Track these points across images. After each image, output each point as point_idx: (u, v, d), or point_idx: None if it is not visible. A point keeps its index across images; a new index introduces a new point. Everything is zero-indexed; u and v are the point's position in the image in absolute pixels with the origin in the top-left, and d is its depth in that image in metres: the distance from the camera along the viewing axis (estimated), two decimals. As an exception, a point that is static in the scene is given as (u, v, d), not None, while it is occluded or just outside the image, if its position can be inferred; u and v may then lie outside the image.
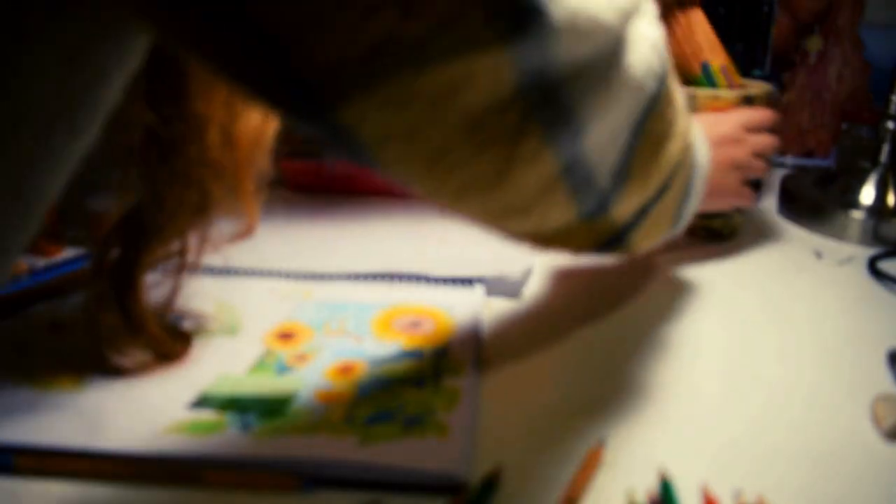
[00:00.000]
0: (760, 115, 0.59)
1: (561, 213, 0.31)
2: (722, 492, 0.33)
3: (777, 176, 0.78)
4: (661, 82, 0.31)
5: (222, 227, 0.43)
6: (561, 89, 0.25)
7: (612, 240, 0.37)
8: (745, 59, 0.79)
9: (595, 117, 0.27)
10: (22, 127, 0.21)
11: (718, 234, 0.65)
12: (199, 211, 0.40)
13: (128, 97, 0.34)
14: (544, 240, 0.35)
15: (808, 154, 0.91)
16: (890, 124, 0.68)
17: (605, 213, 0.33)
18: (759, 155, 0.58)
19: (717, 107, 0.61)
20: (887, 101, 0.68)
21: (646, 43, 0.29)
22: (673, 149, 0.35)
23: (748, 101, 0.61)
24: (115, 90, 0.24)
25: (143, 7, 0.21)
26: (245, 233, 0.45)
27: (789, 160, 0.91)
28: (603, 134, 0.29)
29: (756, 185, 0.71)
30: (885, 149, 0.69)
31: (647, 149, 0.33)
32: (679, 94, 0.35)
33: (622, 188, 0.33)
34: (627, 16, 0.26)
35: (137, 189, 0.39)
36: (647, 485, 0.34)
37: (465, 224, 0.32)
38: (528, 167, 0.27)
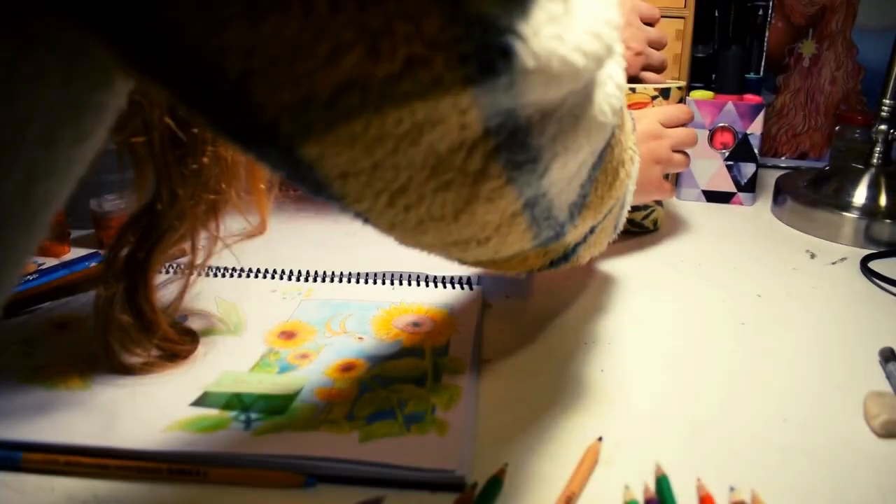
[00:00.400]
0: (677, 110, 0.62)
1: (518, 243, 0.32)
2: (717, 488, 0.34)
3: (771, 177, 0.79)
4: (619, 116, 0.31)
5: (232, 225, 0.43)
6: (528, 132, 0.25)
7: (562, 258, 0.38)
8: (740, 62, 0.79)
9: (560, 158, 0.27)
10: (28, 133, 0.21)
11: (642, 226, 0.68)
12: (213, 210, 0.40)
13: (148, 101, 0.34)
14: (498, 265, 0.36)
15: (802, 155, 0.92)
16: (882, 126, 0.68)
17: (560, 240, 0.34)
18: (678, 150, 0.60)
19: (635, 101, 0.63)
20: (879, 104, 0.68)
21: (612, 83, 0.28)
22: (623, 175, 0.36)
23: (664, 94, 0.63)
24: (119, 95, 0.24)
25: (102, 42, 0.20)
26: (257, 231, 0.45)
27: (783, 161, 0.92)
28: (566, 173, 0.29)
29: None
30: (878, 150, 0.69)
31: (604, 179, 0.34)
32: (628, 117, 0.36)
33: (578, 217, 0.34)
34: (598, 62, 0.25)
35: (152, 189, 0.39)
36: (643, 481, 0.34)
37: (421, 252, 0.32)
38: (489, 205, 0.27)
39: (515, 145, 0.25)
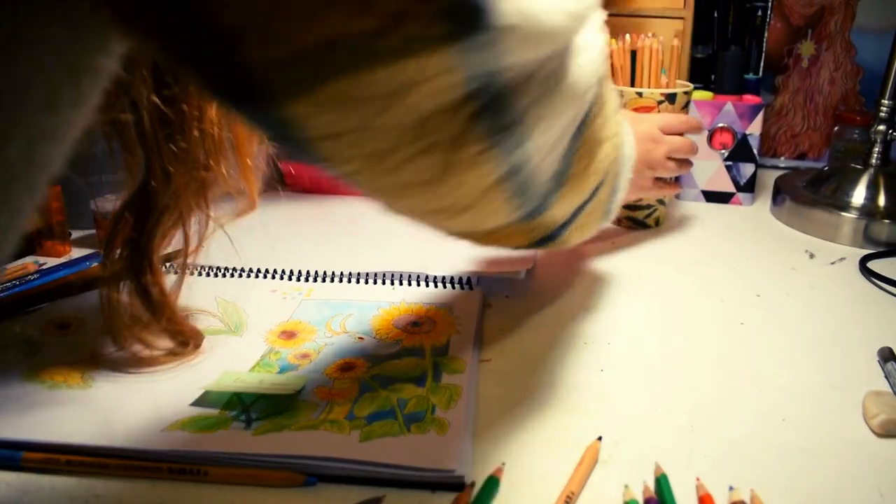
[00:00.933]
0: (678, 120, 0.62)
1: (500, 214, 0.32)
2: (716, 487, 0.34)
3: (770, 177, 0.79)
4: (600, 86, 0.32)
5: (225, 206, 0.43)
6: (510, 95, 0.25)
7: (547, 237, 0.38)
8: (739, 62, 0.80)
9: (541, 124, 0.28)
10: (31, 96, 0.21)
11: (644, 224, 0.69)
12: (203, 188, 0.40)
13: (135, 80, 0.34)
14: (481, 238, 0.36)
15: (801, 156, 0.92)
16: (881, 127, 0.69)
17: (542, 214, 0.34)
18: (673, 157, 0.61)
19: (641, 105, 0.64)
20: (878, 104, 0.68)
21: (592, 50, 0.29)
22: (607, 150, 0.36)
23: (670, 98, 0.64)
24: (114, 59, 0.24)
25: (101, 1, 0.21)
26: (247, 209, 0.46)
27: (782, 161, 0.93)
28: (547, 140, 0.29)
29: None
30: (876, 151, 0.70)
31: (585, 153, 0.34)
32: (613, 94, 0.36)
33: (560, 191, 0.34)
34: (577, 21, 0.25)
35: (144, 170, 0.39)
36: (643, 480, 0.34)
37: (404, 221, 0.32)
38: (471, 170, 0.27)
39: (497, 108, 0.25)
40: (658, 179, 0.62)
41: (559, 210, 0.35)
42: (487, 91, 0.24)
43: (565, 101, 0.28)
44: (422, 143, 0.25)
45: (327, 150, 0.25)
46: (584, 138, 0.33)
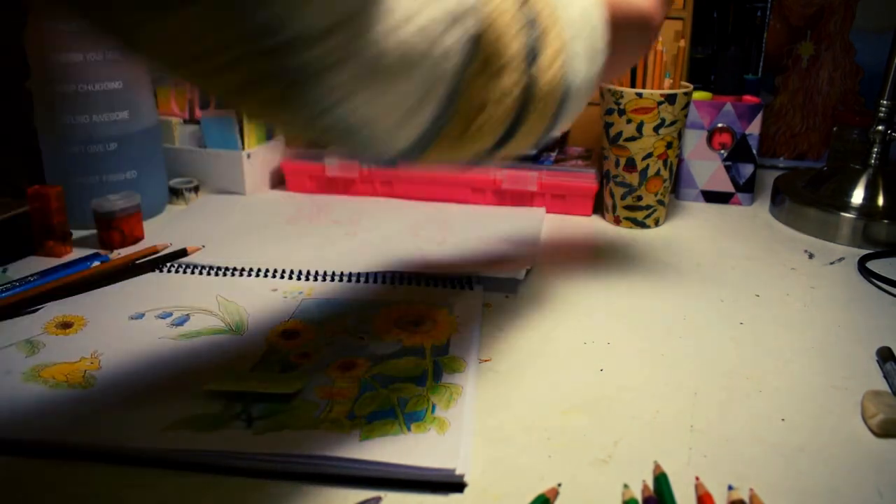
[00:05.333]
0: None
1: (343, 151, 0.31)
2: (715, 487, 0.34)
3: (770, 177, 0.79)
4: (472, 46, 0.28)
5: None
6: (293, 56, 0.24)
7: (482, 158, 0.36)
8: (739, 62, 0.80)
9: (352, 99, 0.26)
10: None
11: (642, 224, 0.69)
12: None
13: None
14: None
15: (800, 156, 0.92)
16: (880, 127, 0.69)
17: (416, 159, 0.33)
18: None
19: (640, 106, 0.64)
20: (877, 105, 0.68)
21: (431, 10, 0.26)
22: (504, 108, 0.32)
23: (670, 99, 0.64)
24: None
25: None
26: None
27: (782, 162, 0.93)
28: (379, 108, 0.28)
29: (749, 185, 0.73)
30: (876, 151, 0.70)
31: (460, 120, 0.31)
32: (517, 40, 0.31)
33: (427, 151, 0.32)
34: None
35: None
36: (642, 479, 0.35)
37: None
38: (302, 123, 0.28)
39: (281, 71, 0.25)
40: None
41: (475, 136, 0.32)
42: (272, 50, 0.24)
43: (381, 75, 0.26)
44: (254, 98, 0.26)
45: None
46: (456, 107, 0.30)
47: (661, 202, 0.69)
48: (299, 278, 0.56)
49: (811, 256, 0.64)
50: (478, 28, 0.29)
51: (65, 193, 0.60)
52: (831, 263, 0.62)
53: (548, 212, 0.73)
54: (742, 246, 0.66)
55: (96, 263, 0.57)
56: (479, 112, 0.31)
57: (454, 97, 0.30)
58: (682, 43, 0.66)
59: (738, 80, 0.78)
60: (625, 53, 0.43)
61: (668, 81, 0.67)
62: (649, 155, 0.66)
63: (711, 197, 0.77)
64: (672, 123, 0.65)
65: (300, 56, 0.24)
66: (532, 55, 0.32)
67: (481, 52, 0.29)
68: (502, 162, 0.37)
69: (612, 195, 0.70)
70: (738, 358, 0.46)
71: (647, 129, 0.65)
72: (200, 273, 0.57)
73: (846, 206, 0.68)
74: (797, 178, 0.77)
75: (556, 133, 0.39)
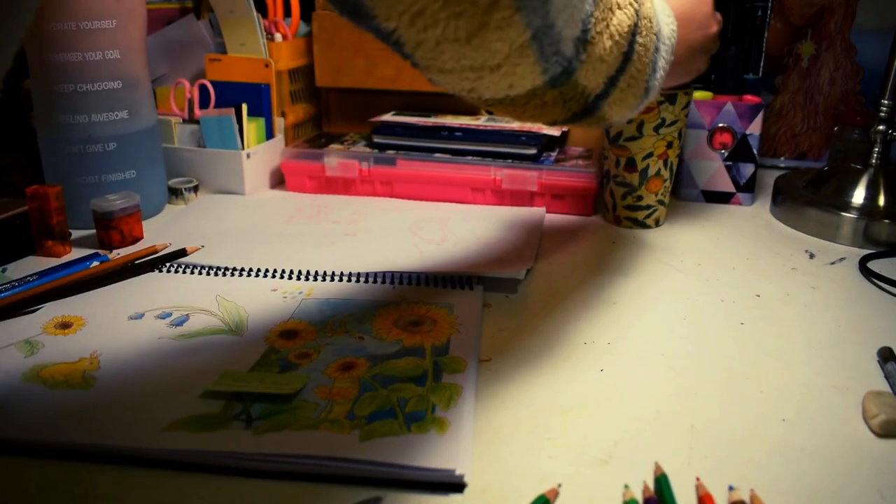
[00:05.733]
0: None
1: (529, 76, 0.35)
2: (716, 487, 0.34)
3: (770, 177, 0.79)
4: None
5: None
6: None
7: (584, 110, 0.41)
8: (739, 62, 0.80)
9: None
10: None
11: (642, 224, 0.69)
12: None
13: None
14: (519, 108, 0.39)
15: (801, 156, 0.92)
16: (881, 127, 0.69)
17: (570, 79, 0.37)
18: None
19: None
20: (878, 104, 0.68)
21: None
22: (620, 18, 0.38)
23: (670, 99, 0.64)
24: None
25: None
26: None
27: (782, 161, 0.93)
28: (565, 3, 0.33)
29: (749, 185, 0.73)
30: (876, 151, 0.70)
31: (600, 17, 0.36)
32: None
33: (582, 56, 0.36)
34: None
35: None
36: (642, 480, 0.34)
37: (443, 84, 0.37)
38: (499, 32, 0.32)
39: None
40: None
41: (588, 79, 0.38)
42: None
43: None
44: (451, 11, 0.30)
45: (374, 6, 0.31)
46: (597, 3, 0.36)
47: (661, 202, 0.69)
48: (299, 278, 0.56)
49: (812, 256, 0.63)
50: None
51: (64, 193, 0.60)
52: (832, 263, 0.62)
53: (548, 212, 0.73)
54: (742, 246, 0.65)
55: (95, 263, 0.57)
56: (611, 13, 0.37)
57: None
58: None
59: (738, 79, 0.78)
60: (680, 72, 0.52)
61: None
62: (650, 155, 0.66)
63: (712, 197, 0.77)
64: (672, 123, 0.65)
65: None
66: (635, 30, 0.39)
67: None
68: (604, 123, 0.44)
69: (613, 195, 0.70)
70: (738, 358, 0.46)
71: (648, 128, 0.65)
72: (200, 273, 0.57)
73: (847, 206, 0.68)
74: (798, 178, 0.77)
75: (642, 107, 0.46)
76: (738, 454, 0.37)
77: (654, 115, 0.64)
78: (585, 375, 0.44)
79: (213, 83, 0.78)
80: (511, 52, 0.33)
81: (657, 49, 0.42)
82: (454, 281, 0.55)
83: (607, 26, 0.37)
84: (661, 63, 0.43)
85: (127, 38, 0.64)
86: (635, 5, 0.39)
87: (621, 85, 0.40)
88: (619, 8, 0.38)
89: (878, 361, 0.46)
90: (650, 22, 0.41)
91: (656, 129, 0.65)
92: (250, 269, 0.57)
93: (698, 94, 0.76)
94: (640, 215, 0.69)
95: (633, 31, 0.39)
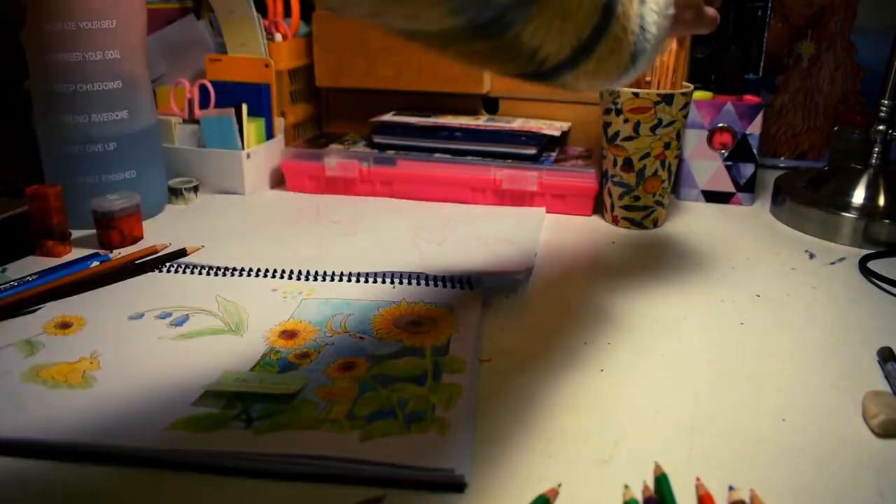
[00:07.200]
0: None
1: (435, 11, 0.29)
2: (716, 487, 0.34)
3: (770, 177, 0.79)
4: None
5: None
6: None
7: (540, 73, 0.34)
8: (739, 62, 0.80)
9: None
10: None
11: (640, 224, 0.69)
12: None
13: None
14: (438, 49, 0.33)
15: (801, 156, 0.92)
16: (881, 127, 0.69)
17: (506, 33, 0.30)
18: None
19: (637, 106, 0.64)
20: (878, 104, 0.68)
21: None
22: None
23: (667, 99, 0.64)
24: None
25: None
26: None
27: (782, 161, 0.93)
28: None
29: (750, 186, 0.73)
30: (876, 151, 0.70)
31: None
32: None
33: (529, 10, 0.30)
34: None
35: None
36: (643, 480, 0.34)
37: (365, 23, 0.31)
38: None
39: None
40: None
41: (539, 38, 0.31)
42: None
43: None
44: None
45: None
46: None
47: (659, 203, 0.69)
48: (299, 278, 0.56)
49: (812, 256, 0.63)
50: None
51: (64, 193, 0.60)
52: (832, 263, 0.62)
53: (548, 212, 0.73)
54: (742, 246, 0.65)
55: (95, 263, 0.57)
56: None
57: None
58: (673, 44, 0.66)
59: (738, 79, 0.78)
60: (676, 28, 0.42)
61: (665, 76, 0.66)
62: (647, 155, 0.66)
63: (712, 197, 0.77)
64: (670, 124, 0.65)
65: None
66: None
67: None
68: (587, 85, 0.36)
69: (611, 195, 0.70)
70: (738, 358, 0.46)
71: (644, 128, 0.65)
72: (200, 273, 0.57)
73: (847, 206, 0.68)
74: (798, 177, 0.77)
75: (628, 80, 0.39)
76: (738, 454, 0.37)
77: (650, 115, 0.64)
78: (585, 375, 0.44)
79: (213, 83, 0.78)
80: None
81: (642, 14, 0.34)
82: (454, 281, 0.55)
83: None
84: (652, 17, 0.35)
85: (127, 38, 0.64)
86: None
87: (600, 53, 0.33)
88: None
89: (878, 361, 0.46)
90: None
91: (653, 129, 0.65)
92: (250, 269, 0.57)
93: (698, 94, 0.76)
94: (638, 216, 0.69)
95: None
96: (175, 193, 0.74)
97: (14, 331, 0.47)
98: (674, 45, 0.66)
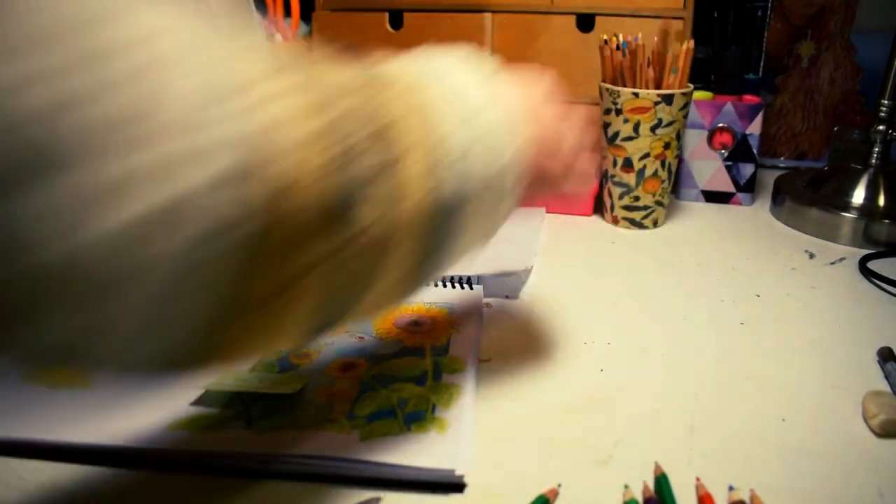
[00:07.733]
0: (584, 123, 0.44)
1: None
2: (716, 487, 0.34)
3: (770, 177, 0.79)
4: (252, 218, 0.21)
5: None
6: None
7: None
8: (739, 62, 0.80)
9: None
10: None
11: (640, 225, 0.69)
12: None
13: None
14: None
15: (801, 156, 0.92)
16: (881, 127, 0.69)
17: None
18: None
19: (636, 106, 0.64)
20: (878, 104, 0.68)
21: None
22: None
23: (667, 100, 0.64)
24: None
25: None
26: None
27: (782, 161, 0.93)
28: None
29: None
30: (876, 151, 0.70)
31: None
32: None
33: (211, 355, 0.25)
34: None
35: None
36: (642, 480, 0.35)
37: None
38: None
39: None
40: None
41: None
42: None
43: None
44: None
45: None
46: (251, 286, 0.22)
47: (659, 203, 0.69)
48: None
49: (812, 256, 0.63)
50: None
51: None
52: (832, 263, 0.62)
53: (548, 212, 0.73)
54: (742, 246, 0.65)
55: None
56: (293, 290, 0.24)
57: (240, 275, 0.22)
58: (690, 44, 0.65)
59: (738, 79, 0.78)
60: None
61: (673, 77, 0.66)
62: (646, 155, 0.66)
63: (712, 197, 0.77)
64: (669, 124, 0.65)
65: None
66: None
67: (272, 221, 0.22)
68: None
69: (611, 195, 0.70)
70: (738, 358, 0.46)
71: (644, 129, 0.65)
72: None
73: (847, 206, 0.68)
74: (798, 177, 0.77)
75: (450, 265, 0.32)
76: (738, 454, 0.37)
77: (650, 115, 0.64)
78: (585, 375, 0.44)
79: (213, 83, 0.77)
80: None
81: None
82: (454, 281, 0.55)
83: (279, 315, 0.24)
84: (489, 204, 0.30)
85: (127, 38, 0.64)
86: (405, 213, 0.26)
87: (347, 313, 0.27)
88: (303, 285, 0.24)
89: (878, 361, 0.46)
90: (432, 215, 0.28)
91: (653, 129, 0.65)
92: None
93: (698, 94, 0.76)
94: (638, 216, 0.69)
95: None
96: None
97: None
98: (688, 44, 0.65)
